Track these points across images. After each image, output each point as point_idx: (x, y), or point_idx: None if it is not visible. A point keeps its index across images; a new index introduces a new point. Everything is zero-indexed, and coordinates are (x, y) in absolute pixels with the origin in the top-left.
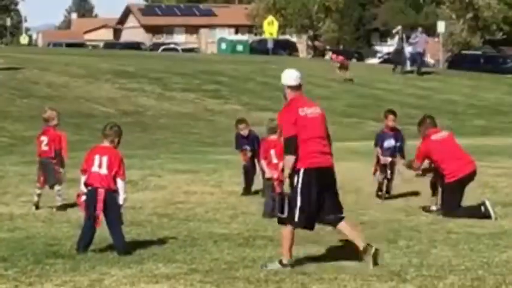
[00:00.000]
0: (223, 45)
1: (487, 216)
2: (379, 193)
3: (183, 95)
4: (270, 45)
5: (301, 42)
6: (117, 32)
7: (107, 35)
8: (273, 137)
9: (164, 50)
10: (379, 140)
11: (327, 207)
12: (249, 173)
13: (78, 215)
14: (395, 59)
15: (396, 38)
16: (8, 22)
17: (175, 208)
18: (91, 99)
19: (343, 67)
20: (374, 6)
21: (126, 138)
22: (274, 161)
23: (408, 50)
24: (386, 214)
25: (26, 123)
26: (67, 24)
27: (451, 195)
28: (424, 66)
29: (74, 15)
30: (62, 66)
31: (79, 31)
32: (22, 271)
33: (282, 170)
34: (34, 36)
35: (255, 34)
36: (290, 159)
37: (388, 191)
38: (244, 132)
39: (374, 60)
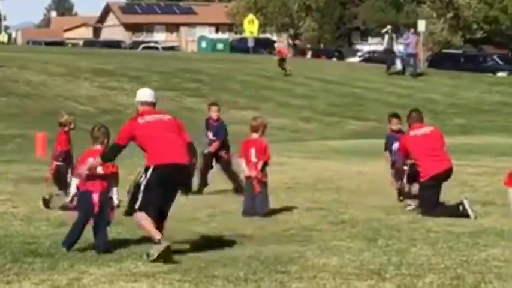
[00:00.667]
0: (204, 44)
1: (465, 215)
2: (400, 198)
3: (163, 93)
4: (250, 43)
5: (282, 41)
6: (96, 31)
7: (87, 33)
8: (255, 135)
9: (144, 48)
10: (388, 144)
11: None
12: (208, 165)
13: (58, 213)
14: (387, 59)
15: (386, 37)
16: None
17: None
18: (70, 97)
19: (282, 60)
20: (354, 5)
21: None
22: (254, 160)
23: (399, 50)
24: (366, 213)
25: (5, 122)
26: (46, 22)
27: (427, 194)
28: (417, 67)
29: (53, 14)
30: (41, 64)
31: (58, 29)
32: (0, 270)
33: (261, 169)
34: (13, 35)
35: (236, 32)
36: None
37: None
38: (215, 116)
39: (354, 59)
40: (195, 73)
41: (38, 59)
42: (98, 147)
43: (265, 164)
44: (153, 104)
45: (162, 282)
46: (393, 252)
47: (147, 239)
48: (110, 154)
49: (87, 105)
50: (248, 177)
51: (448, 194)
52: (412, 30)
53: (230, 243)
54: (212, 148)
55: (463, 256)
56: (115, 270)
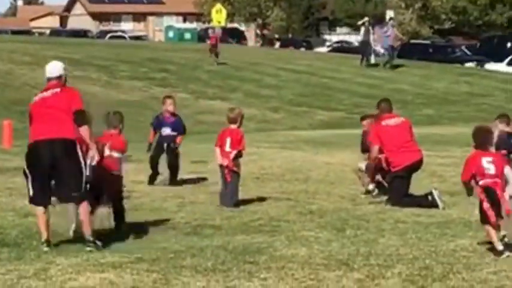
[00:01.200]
0: (171, 33)
1: (434, 205)
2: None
3: (130, 83)
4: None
5: (250, 31)
6: (63, 20)
7: (53, 22)
8: (233, 126)
9: (111, 37)
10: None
11: (58, 182)
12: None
13: (24, 203)
14: (362, 51)
15: (362, 29)
16: None
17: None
18: (36, 86)
19: (214, 50)
20: None
21: None
22: (227, 149)
23: (376, 42)
24: (334, 203)
25: None
26: (13, 11)
27: (396, 184)
28: (394, 58)
29: (19, 2)
30: (7, 53)
31: (25, 18)
32: None
33: (233, 159)
34: None
35: (203, 22)
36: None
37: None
38: (171, 109)
39: (323, 49)
40: (162, 63)
41: (4, 48)
42: (113, 131)
43: (239, 154)
44: (53, 79)
45: (130, 273)
46: (361, 242)
47: (113, 230)
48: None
49: None
50: (221, 166)
51: (417, 184)
52: (391, 22)
53: (198, 234)
54: (178, 143)
55: (432, 246)
56: (82, 261)
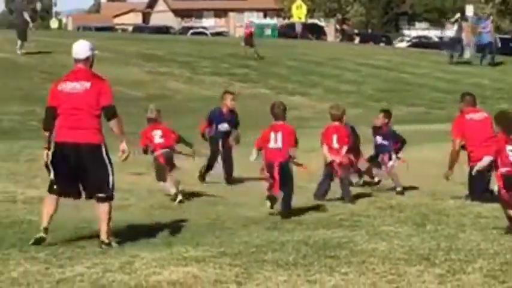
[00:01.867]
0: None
1: None
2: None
3: (212, 78)
4: (298, 29)
5: (330, 26)
6: (146, 16)
7: (136, 19)
8: (338, 123)
9: (193, 33)
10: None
11: (84, 183)
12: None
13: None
14: (451, 47)
15: (455, 25)
16: (39, 6)
17: (205, 191)
18: (119, 82)
19: (248, 42)
20: None
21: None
22: (335, 146)
23: (474, 38)
24: (414, 198)
25: None
26: (96, 8)
27: (477, 179)
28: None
29: None
30: None
31: (108, 15)
32: (53, 253)
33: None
34: (64, 21)
35: (284, 18)
36: (43, 133)
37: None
38: (232, 105)
39: (402, 44)
40: (243, 59)
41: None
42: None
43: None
44: (80, 61)
45: (213, 267)
46: (442, 237)
47: (196, 223)
48: (44, 119)
49: (136, 91)
50: (330, 163)
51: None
52: (491, 17)
53: (279, 228)
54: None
55: None
56: (166, 255)
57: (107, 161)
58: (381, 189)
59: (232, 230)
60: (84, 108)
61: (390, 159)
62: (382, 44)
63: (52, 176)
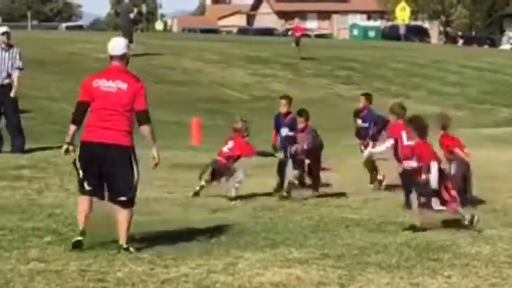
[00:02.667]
0: (356, 31)
1: None
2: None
3: (315, 80)
4: (402, 31)
5: (433, 28)
6: (250, 18)
7: (240, 21)
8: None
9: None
10: None
11: (108, 185)
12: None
13: (214, 200)
14: None
15: None
16: (144, 9)
17: (307, 193)
18: (224, 84)
19: (297, 42)
20: None
21: (259, 123)
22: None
23: None
24: None
25: (161, 109)
26: (201, 10)
27: None
28: None
29: (208, 1)
30: (196, 52)
31: (213, 17)
32: (157, 254)
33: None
34: (169, 23)
35: (387, 20)
36: (70, 126)
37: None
38: (283, 110)
39: (507, 46)
40: (346, 61)
41: (194, 47)
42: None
43: None
44: (116, 58)
45: (316, 268)
46: None
47: (299, 225)
48: (74, 113)
49: (241, 92)
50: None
51: None
52: None
53: (382, 230)
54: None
55: None
56: (269, 256)
57: (134, 164)
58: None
59: (334, 232)
60: (118, 109)
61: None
62: (486, 46)
63: (81, 175)
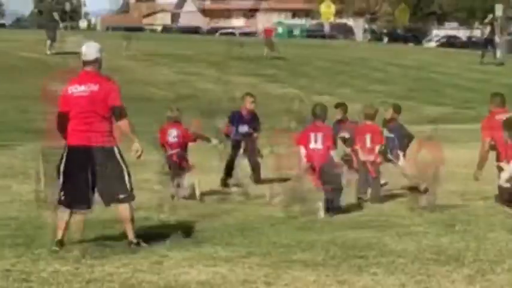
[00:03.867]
0: (280, 29)
1: None
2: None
3: (241, 79)
4: (326, 29)
5: (358, 26)
6: (174, 16)
7: (165, 19)
8: (369, 122)
9: (222, 34)
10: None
11: (101, 187)
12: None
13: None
14: (484, 48)
15: (488, 27)
16: (68, 7)
17: (232, 191)
18: (150, 82)
19: (268, 44)
20: None
21: (184, 122)
22: (369, 145)
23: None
24: (443, 198)
25: None
26: (126, 8)
27: None
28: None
29: (132, 0)
30: (120, 50)
31: (137, 15)
32: (82, 253)
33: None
34: (93, 21)
35: (312, 18)
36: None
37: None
38: (250, 107)
39: (431, 44)
40: (272, 59)
41: (118, 45)
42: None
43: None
44: (89, 63)
45: (242, 267)
46: (471, 237)
47: (225, 224)
48: (57, 124)
49: (166, 91)
50: (364, 163)
51: None
52: None
53: (308, 228)
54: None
55: None
56: (195, 255)
57: (121, 162)
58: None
59: (260, 230)
60: (96, 111)
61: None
62: (411, 44)
63: (60, 184)
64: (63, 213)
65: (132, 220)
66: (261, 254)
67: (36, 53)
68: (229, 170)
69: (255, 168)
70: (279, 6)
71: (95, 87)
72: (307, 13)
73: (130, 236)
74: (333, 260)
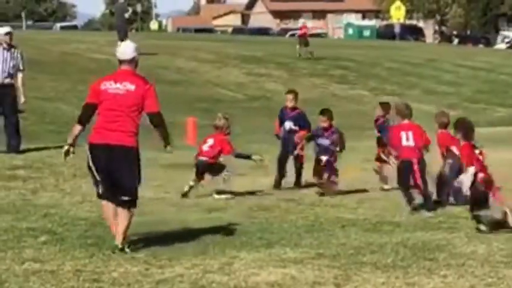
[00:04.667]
0: (350, 30)
1: None
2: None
3: (310, 80)
4: (397, 30)
5: (428, 28)
6: (245, 18)
7: (235, 20)
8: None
9: (292, 35)
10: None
11: (111, 185)
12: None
13: (208, 200)
14: None
15: None
16: (139, 8)
17: (302, 193)
18: (219, 84)
19: (303, 42)
20: None
21: (254, 123)
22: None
23: None
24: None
25: None
26: (196, 10)
27: None
28: None
29: (202, 1)
30: (191, 51)
31: (208, 17)
32: (153, 254)
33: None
34: (164, 22)
35: (382, 19)
36: (75, 127)
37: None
38: (290, 104)
39: (501, 46)
40: (341, 60)
41: (188, 47)
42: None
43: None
44: (125, 62)
45: (311, 268)
46: None
47: (295, 225)
48: (80, 114)
49: (235, 92)
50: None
51: None
52: None
53: (378, 230)
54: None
55: None
56: (264, 256)
57: (137, 165)
58: None
59: (330, 231)
60: (125, 111)
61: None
62: (481, 46)
63: (98, 178)
64: (107, 209)
65: (127, 226)
66: (331, 256)
67: (106, 54)
68: (281, 169)
69: (296, 172)
70: (348, 7)
71: (131, 87)
72: (377, 14)
73: (118, 240)
74: (402, 262)
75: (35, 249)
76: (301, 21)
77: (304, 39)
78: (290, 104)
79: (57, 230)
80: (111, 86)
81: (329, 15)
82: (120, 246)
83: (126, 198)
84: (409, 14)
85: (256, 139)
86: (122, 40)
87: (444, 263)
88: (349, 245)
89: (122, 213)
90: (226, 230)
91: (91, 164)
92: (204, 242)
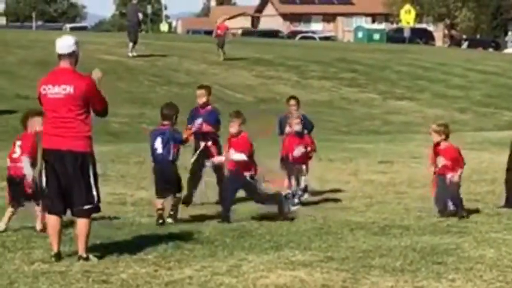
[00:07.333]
0: (360, 34)
1: None
2: None
3: (320, 83)
4: (406, 34)
5: (438, 31)
6: (255, 20)
7: (245, 23)
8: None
9: (301, 38)
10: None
11: (68, 194)
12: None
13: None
14: None
15: None
16: (149, 10)
17: (310, 196)
18: (228, 86)
19: (220, 43)
20: None
21: (263, 124)
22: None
23: None
24: None
25: None
26: (206, 12)
27: None
28: None
29: (212, 3)
30: (200, 53)
31: (218, 19)
32: (162, 256)
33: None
34: (173, 24)
35: (392, 23)
36: None
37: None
38: (201, 100)
39: (511, 50)
40: (351, 63)
41: (198, 48)
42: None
43: None
44: (65, 57)
45: (320, 271)
46: None
47: (304, 228)
48: None
49: (245, 94)
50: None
51: None
52: None
53: (386, 233)
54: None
55: None
56: (273, 258)
57: (91, 171)
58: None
59: (339, 234)
60: (69, 115)
61: None
62: (490, 50)
63: (44, 187)
64: (52, 222)
65: (88, 234)
66: (339, 259)
67: (116, 55)
68: None
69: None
70: (358, 11)
71: (70, 89)
72: (387, 18)
73: (81, 250)
74: (411, 266)
75: (44, 250)
76: (218, 20)
77: (221, 39)
78: (201, 100)
79: (66, 231)
80: (49, 91)
81: (339, 18)
82: (84, 255)
83: (87, 206)
84: (418, 17)
85: (266, 141)
86: (133, 41)
87: (453, 266)
88: (357, 248)
89: (82, 222)
90: (235, 233)
91: (43, 174)
92: (212, 244)
